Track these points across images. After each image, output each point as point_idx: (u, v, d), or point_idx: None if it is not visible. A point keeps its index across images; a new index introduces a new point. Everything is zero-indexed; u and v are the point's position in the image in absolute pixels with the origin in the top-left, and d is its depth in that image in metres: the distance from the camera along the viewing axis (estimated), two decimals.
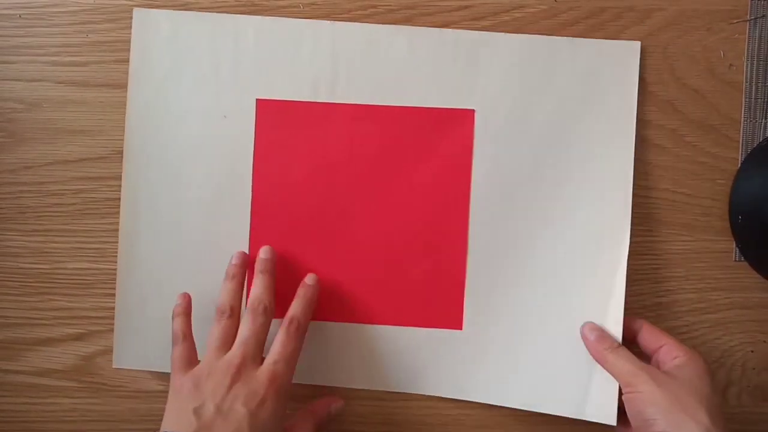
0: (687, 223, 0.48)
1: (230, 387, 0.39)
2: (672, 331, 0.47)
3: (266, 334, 0.43)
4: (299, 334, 0.43)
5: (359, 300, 0.47)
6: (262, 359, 0.42)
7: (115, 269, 0.48)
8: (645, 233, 0.48)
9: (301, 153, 0.47)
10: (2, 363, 0.49)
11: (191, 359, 0.42)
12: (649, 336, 0.44)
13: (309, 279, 0.46)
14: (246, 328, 0.42)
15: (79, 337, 0.49)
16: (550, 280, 0.47)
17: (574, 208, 0.47)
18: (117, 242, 0.48)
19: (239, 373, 0.40)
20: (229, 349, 0.41)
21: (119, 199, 0.48)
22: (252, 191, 0.47)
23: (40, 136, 0.48)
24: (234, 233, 0.47)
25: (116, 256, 0.48)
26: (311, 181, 0.47)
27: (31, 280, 0.49)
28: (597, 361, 0.44)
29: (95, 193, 0.48)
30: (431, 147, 0.46)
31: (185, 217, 0.47)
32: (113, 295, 0.48)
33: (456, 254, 0.46)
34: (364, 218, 0.47)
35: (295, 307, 0.44)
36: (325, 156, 0.47)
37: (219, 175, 0.47)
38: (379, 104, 0.46)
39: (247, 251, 0.47)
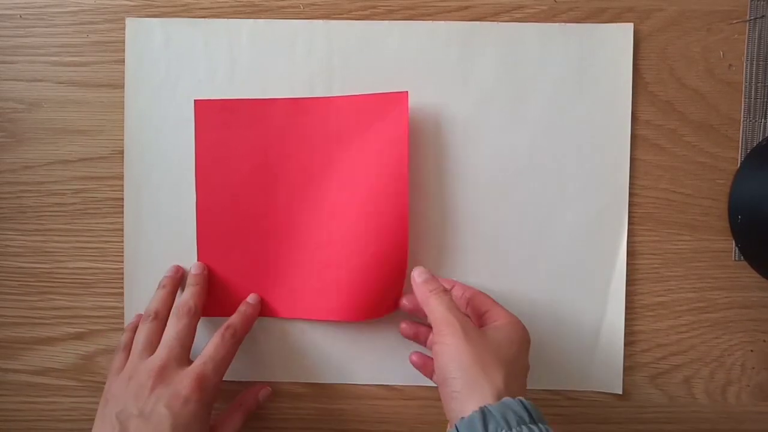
0: (687, 223, 0.48)
1: (152, 389, 0.39)
2: (672, 330, 0.48)
3: (192, 337, 0.43)
4: (234, 341, 0.43)
5: (305, 294, 0.47)
6: (190, 361, 0.42)
7: (116, 269, 0.48)
8: (645, 233, 0.48)
9: (241, 152, 0.46)
10: (2, 362, 0.49)
11: (122, 367, 0.42)
12: (479, 302, 0.43)
13: (251, 298, 0.47)
14: (170, 329, 0.42)
15: (79, 336, 0.49)
16: (548, 278, 0.47)
17: (571, 198, 0.47)
18: (117, 242, 0.48)
19: (161, 374, 0.40)
20: (154, 351, 0.41)
21: (120, 198, 0.48)
22: (196, 194, 0.47)
23: (41, 136, 0.48)
24: None
25: (116, 255, 0.48)
26: (252, 179, 0.46)
27: (31, 280, 0.49)
28: (420, 303, 0.42)
29: (96, 192, 0.48)
30: (366, 134, 0.46)
31: (188, 219, 0.47)
32: (114, 294, 0.48)
33: (397, 244, 0.45)
34: (306, 214, 0.47)
35: (235, 318, 0.45)
36: (263, 153, 0.46)
37: None
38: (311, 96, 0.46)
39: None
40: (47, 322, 0.49)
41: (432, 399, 0.48)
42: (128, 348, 0.43)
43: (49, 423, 0.49)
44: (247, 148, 0.46)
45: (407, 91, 0.45)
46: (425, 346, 0.46)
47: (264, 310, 0.47)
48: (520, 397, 0.35)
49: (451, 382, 0.37)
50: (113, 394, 0.40)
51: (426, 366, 0.45)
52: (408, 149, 0.44)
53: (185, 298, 0.44)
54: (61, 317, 0.49)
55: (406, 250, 0.45)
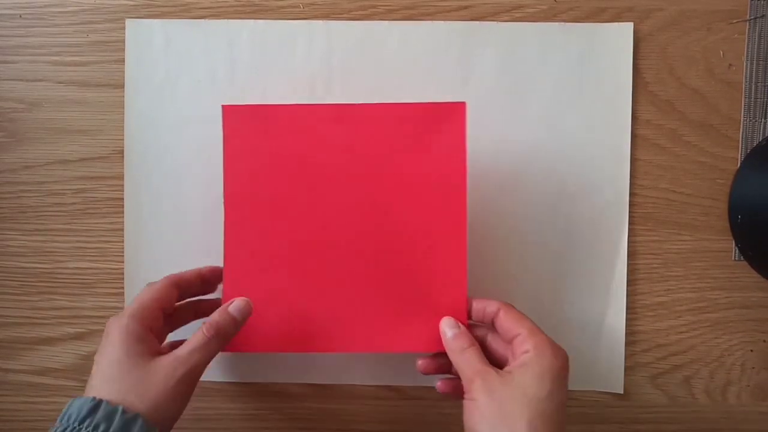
0: (687, 223, 0.48)
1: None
2: (672, 330, 0.48)
3: (159, 300, 0.40)
4: (213, 332, 0.39)
5: (349, 325, 0.42)
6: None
7: (116, 269, 0.48)
8: (645, 233, 0.48)
9: (276, 163, 0.42)
10: (3, 362, 0.49)
11: None
12: (505, 323, 0.40)
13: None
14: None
15: (79, 337, 0.49)
16: (548, 278, 0.47)
17: (571, 198, 0.47)
18: (117, 241, 0.48)
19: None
20: None
21: (120, 198, 0.48)
22: (224, 210, 0.42)
23: (41, 136, 0.48)
24: None
25: (117, 255, 0.48)
26: (289, 193, 0.42)
27: (31, 280, 0.49)
28: (450, 357, 0.40)
29: (96, 192, 0.48)
30: (420, 146, 0.41)
31: (188, 219, 0.48)
32: (114, 294, 0.48)
33: (456, 259, 0.42)
34: (349, 229, 0.42)
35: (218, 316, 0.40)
36: (302, 164, 0.42)
37: (219, 180, 0.47)
38: (366, 102, 0.42)
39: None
40: (47, 322, 0.49)
41: (431, 399, 0.48)
42: None
43: (50, 423, 0.49)
44: (282, 158, 0.42)
45: (465, 102, 0.41)
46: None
47: (304, 341, 0.42)
48: None
49: None
50: None
51: (438, 367, 0.44)
52: (466, 165, 0.41)
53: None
54: (62, 317, 0.49)
55: (465, 273, 0.41)
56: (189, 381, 0.37)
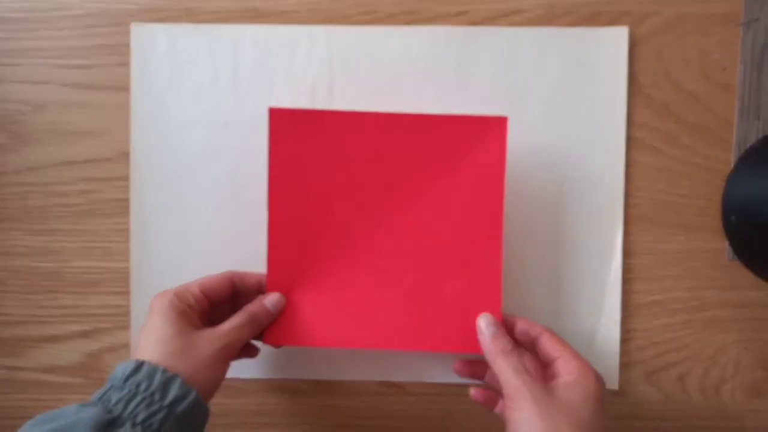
0: (681, 223, 0.48)
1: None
2: (666, 329, 0.48)
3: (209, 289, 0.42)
4: (249, 318, 0.42)
5: (386, 323, 0.43)
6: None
7: (121, 268, 0.49)
8: (640, 233, 0.48)
9: (321, 167, 0.43)
10: (9, 360, 0.50)
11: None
12: (548, 344, 0.41)
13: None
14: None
15: (85, 335, 0.49)
16: (544, 278, 0.48)
17: (567, 199, 0.47)
18: (122, 241, 0.49)
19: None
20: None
21: (125, 199, 0.49)
22: (269, 210, 0.43)
23: (46, 138, 0.49)
24: (240, 236, 0.48)
25: (121, 255, 0.49)
26: (332, 197, 0.43)
27: (37, 279, 0.49)
28: (487, 357, 0.41)
29: (101, 193, 0.49)
30: (461, 157, 0.43)
31: (194, 219, 0.48)
32: (119, 293, 0.49)
33: (492, 266, 0.43)
34: (390, 237, 0.44)
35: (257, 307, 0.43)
36: (346, 169, 0.43)
37: (224, 181, 0.48)
38: (404, 112, 0.43)
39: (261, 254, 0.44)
40: (54, 320, 0.49)
41: (433, 395, 0.49)
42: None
43: None
44: (326, 162, 0.43)
45: (507, 117, 0.43)
46: (482, 380, 0.46)
47: (342, 336, 0.44)
48: None
49: None
50: None
51: (474, 371, 0.45)
52: (505, 178, 0.43)
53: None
54: (67, 315, 0.49)
55: (500, 284, 0.43)
56: (225, 354, 0.40)
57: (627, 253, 0.48)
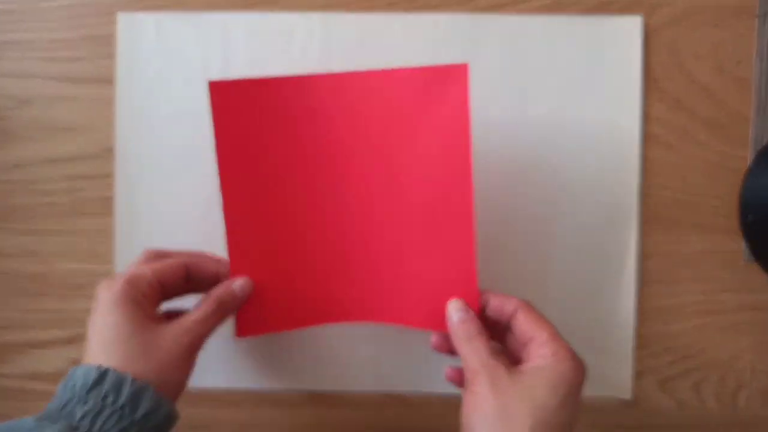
0: (696, 223, 0.47)
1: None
2: (681, 334, 0.47)
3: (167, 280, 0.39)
4: (216, 303, 0.39)
5: (356, 297, 0.42)
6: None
7: (107, 270, 0.48)
8: (653, 233, 0.47)
9: (270, 138, 0.40)
10: None
11: None
12: (523, 324, 0.37)
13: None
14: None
15: (70, 340, 0.48)
16: (556, 279, 0.47)
17: (579, 198, 0.46)
18: (109, 243, 0.48)
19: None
20: None
21: (111, 197, 0.47)
22: (221, 193, 0.41)
23: (31, 134, 0.48)
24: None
25: (108, 256, 0.48)
26: (286, 169, 0.41)
27: (21, 281, 0.48)
28: (453, 343, 0.38)
29: (87, 191, 0.48)
30: (421, 114, 0.39)
31: (182, 218, 0.47)
32: None
33: (463, 237, 0.40)
34: (353, 207, 0.41)
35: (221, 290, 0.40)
36: (300, 138, 0.40)
37: (213, 179, 0.46)
38: (354, 71, 0.40)
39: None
40: (37, 324, 0.48)
41: (433, 407, 0.48)
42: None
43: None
44: (277, 134, 0.40)
45: (467, 64, 0.38)
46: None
47: (313, 314, 0.42)
48: None
49: None
50: None
51: (451, 348, 0.41)
52: (470, 132, 0.38)
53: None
54: (52, 320, 0.48)
55: (474, 261, 0.39)
56: (193, 350, 0.37)
57: (639, 255, 0.47)
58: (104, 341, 0.35)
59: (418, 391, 0.48)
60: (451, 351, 0.40)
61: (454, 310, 0.39)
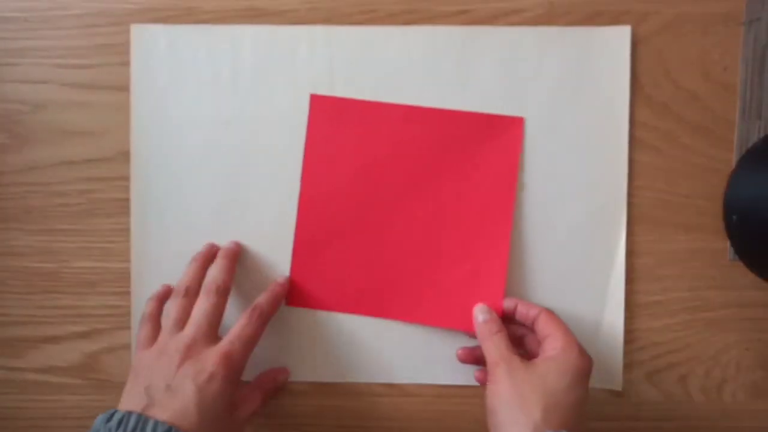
0: (682, 223, 0.48)
1: (180, 365, 0.40)
2: (668, 329, 0.48)
3: (220, 314, 0.43)
4: (261, 321, 0.43)
5: (398, 296, 0.47)
6: (218, 338, 0.42)
7: (120, 268, 0.49)
8: (641, 233, 0.48)
9: (350, 150, 0.47)
10: (8, 360, 0.50)
11: (152, 339, 0.43)
12: (542, 324, 0.43)
13: (281, 278, 0.47)
14: (199, 307, 0.42)
15: (84, 335, 0.49)
16: (547, 278, 0.48)
17: (569, 199, 0.48)
18: (122, 241, 0.49)
19: (189, 351, 0.40)
20: (183, 327, 0.42)
21: (125, 199, 0.48)
22: (300, 185, 0.47)
23: (46, 138, 0.49)
24: (241, 236, 0.48)
25: (121, 255, 0.49)
26: (357, 179, 0.47)
27: (36, 279, 0.49)
28: (479, 341, 0.45)
29: (100, 193, 0.49)
30: (478, 152, 0.47)
31: (194, 220, 0.48)
32: (118, 293, 0.49)
33: (497, 258, 0.47)
34: (406, 218, 0.47)
35: (262, 297, 0.45)
36: (371, 154, 0.47)
37: (224, 182, 0.48)
38: (428, 106, 0.47)
39: (289, 244, 0.48)
40: (52, 320, 0.49)
41: (432, 396, 0.49)
42: (153, 319, 0.44)
43: (54, 421, 0.50)
44: (356, 148, 0.47)
45: (523, 118, 0.46)
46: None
47: (355, 305, 0.48)
48: (564, 430, 0.37)
49: (493, 416, 0.40)
50: (143, 367, 0.41)
51: (476, 358, 0.47)
52: (517, 175, 0.47)
53: (213, 274, 0.44)
54: (67, 316, 0.49)
55: (504, 272, 0.47)
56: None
57: (627, 253, 0.48)
58: (196, 404, 0.38)
59: (419, 381, 0.49)
60: (475, 362, 0.46)
61: (480, 312, 0.45)
